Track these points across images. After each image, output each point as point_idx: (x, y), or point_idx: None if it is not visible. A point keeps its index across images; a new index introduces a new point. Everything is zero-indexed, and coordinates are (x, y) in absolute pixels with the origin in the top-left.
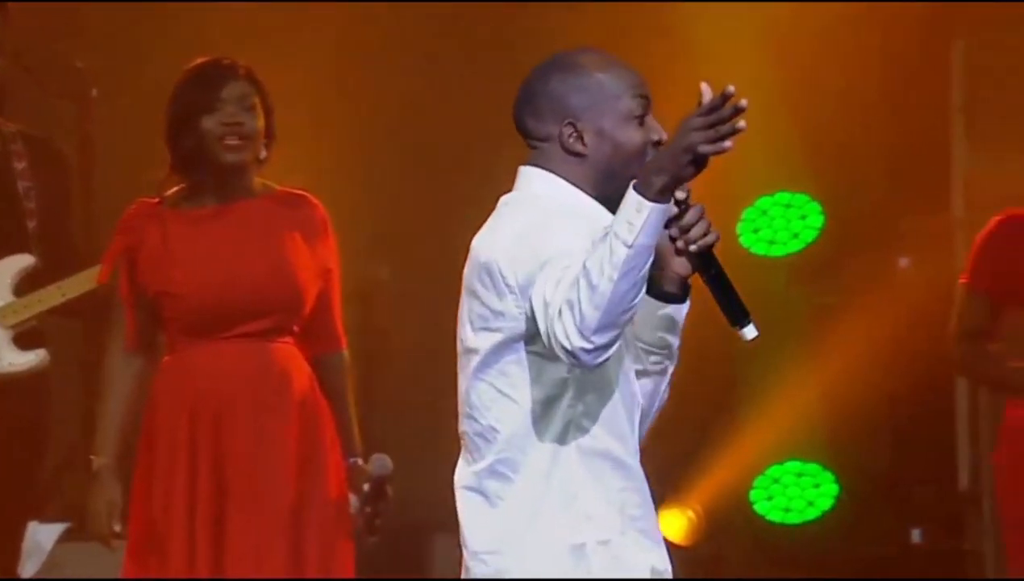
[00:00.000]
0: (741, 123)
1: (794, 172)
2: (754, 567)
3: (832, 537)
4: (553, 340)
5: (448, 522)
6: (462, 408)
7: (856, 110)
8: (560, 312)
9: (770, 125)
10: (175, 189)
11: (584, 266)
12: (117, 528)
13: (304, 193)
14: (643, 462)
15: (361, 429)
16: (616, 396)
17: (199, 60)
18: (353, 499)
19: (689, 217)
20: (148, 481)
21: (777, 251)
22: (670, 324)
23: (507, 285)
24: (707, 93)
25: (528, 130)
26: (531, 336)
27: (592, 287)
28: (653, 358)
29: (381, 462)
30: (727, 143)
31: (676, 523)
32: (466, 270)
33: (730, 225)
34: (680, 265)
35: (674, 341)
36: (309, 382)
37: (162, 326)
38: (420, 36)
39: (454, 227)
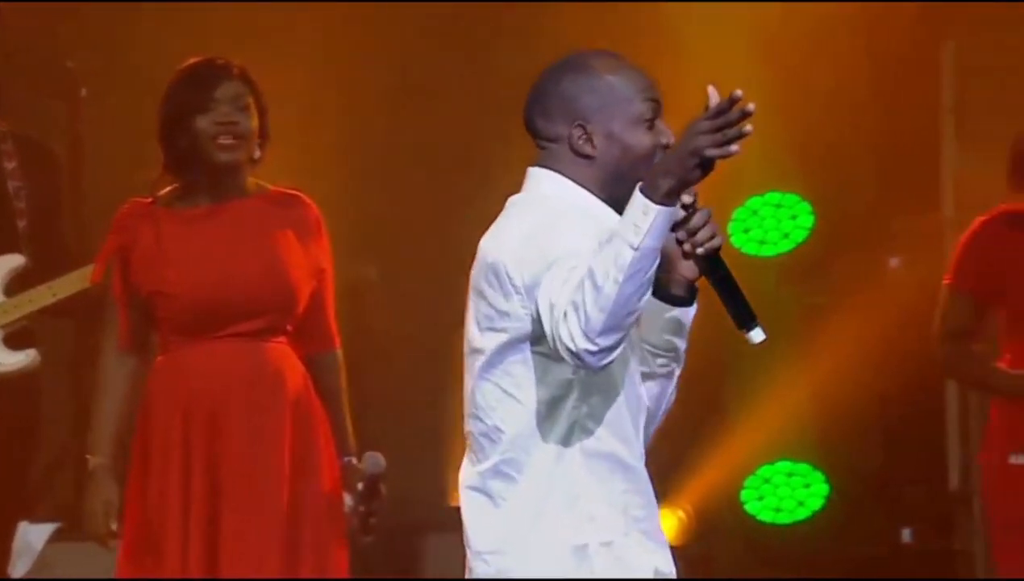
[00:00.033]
0: (748, 127)
1: (784, 172)
2: (744, 567)
3: (822, 537)
4: (558, 342)
5: (439, 522)
6: (467, 408)
7: (846, 110)
8: (565, 314)
9: (760, 125)
10: (168, 189)
11: (590, 268)
12: (114, 527)
13: (297, 193)
14: (647, 464)
15: (355, 429)
16: (621, 398)
17: (193, 60)
18: (347, 498)
19: (696, 220)
20: (142, 482)
21: (767, 251)
22: (677, 327)
23: (513, 286)
24: (714, 97)
25: (538, 130)
26: (537, 337)
27: (597, 289)
28: (660, 361)
29: (374, 460)
30: (734, 147)
31: (666, 523)
32: (473, 270)
33: (720, 225)
34: (687, 268)
35: (681, 344)
36: (303, 382)
37: (155, 326)
38: (411, 36)
39: (445, 226)
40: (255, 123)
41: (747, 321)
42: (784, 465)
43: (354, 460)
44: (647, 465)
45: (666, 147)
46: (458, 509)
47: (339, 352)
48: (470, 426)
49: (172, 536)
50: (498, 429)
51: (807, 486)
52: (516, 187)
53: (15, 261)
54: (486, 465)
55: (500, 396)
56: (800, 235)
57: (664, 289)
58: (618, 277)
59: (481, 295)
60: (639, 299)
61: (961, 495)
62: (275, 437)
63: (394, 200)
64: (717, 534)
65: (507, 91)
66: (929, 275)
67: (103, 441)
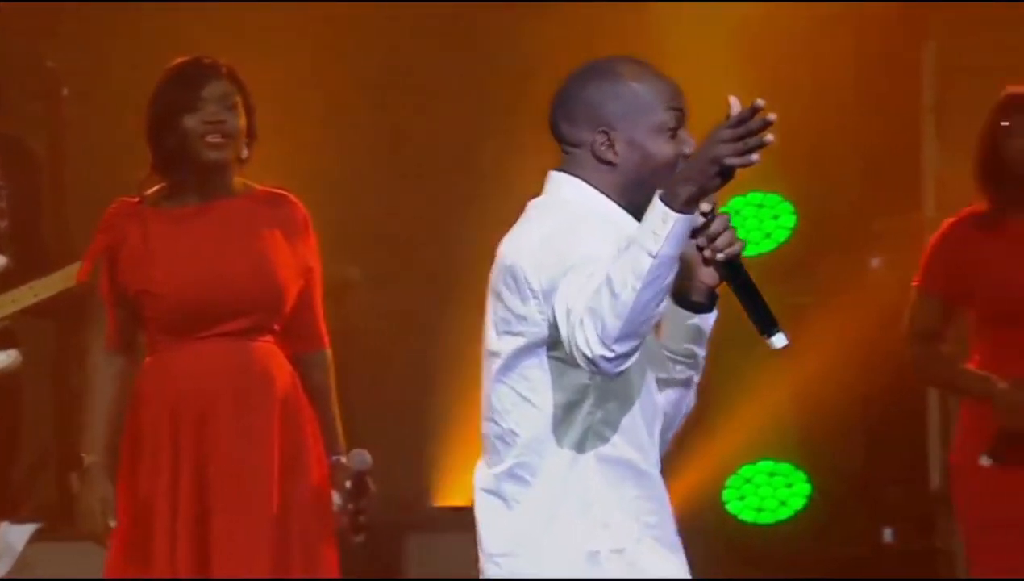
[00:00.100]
0: (769, 136)
1: (766, 172)
2: (726, 567)
3: (804, 537)
4: (574, 347)
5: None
6: (484, 411)
7: (828, 110)
8: (582, 320)
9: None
10: (156, 188)
11: (607, 275)
12: (112, 524)
13: (285, 192)
14: (663, 471)
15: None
16: (637, 405)
17: (180, 59)
18: (336, 497)
19: (715, 226)
20: (131, 482)
21: (749, 251)
22: (697, 334)
23: (531, 290)
24: (735, 105)
25: (562, 134)
26: (553, 341)
27: (615, 296)
28: (678, 367)
29: (360, 457)
30: (754, 156)
31: None
32: (492, 273)
33: None
34: (708, 275)
35: (700, 351)
36: (291, 381)
37: (143, 325)
38: (403, 35)
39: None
40: (243, 122)
41: (769, 327)
42: (766, 465)
43: (343, 459)
44: (663, 472)
45: (688, 156)
46: (441, 509)
47: (328, 351)
48: (486, 429)
49: (161, 536)
50: (513, 432)
51: (789, 486)
52: (513, 187)
53: None
54: (500, 468)
55: (516, 400)
56: (782, 235)
57: (685, 296)
58: (636, 284)
59: (499, 298)
60: (656, 306)
61: (942, 495)
62: (263, 436)
63: (384, 200)
64: (699, 534)
65: (499, 90)
66: (911, 275)
67: (96, 438)
